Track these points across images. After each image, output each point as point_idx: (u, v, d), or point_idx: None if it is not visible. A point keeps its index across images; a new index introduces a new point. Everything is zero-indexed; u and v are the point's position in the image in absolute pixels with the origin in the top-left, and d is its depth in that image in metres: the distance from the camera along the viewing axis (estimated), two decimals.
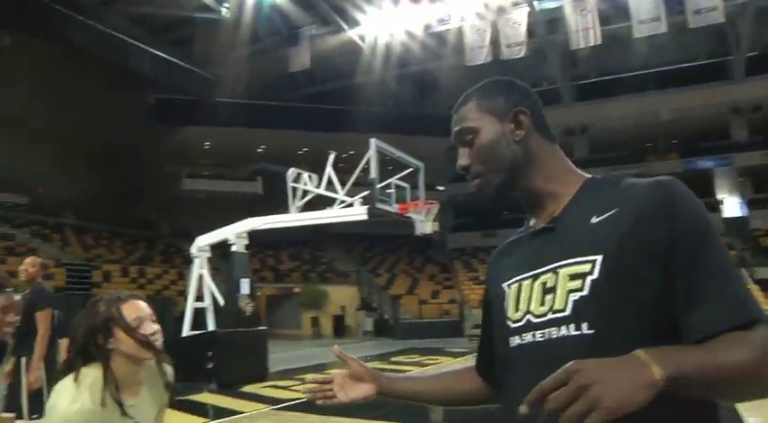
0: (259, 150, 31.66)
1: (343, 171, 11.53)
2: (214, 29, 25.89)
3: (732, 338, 0.94)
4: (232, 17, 24.99)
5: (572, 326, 1.06)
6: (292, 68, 26.16)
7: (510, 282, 1.22)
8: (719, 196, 29.73)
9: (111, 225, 30.75)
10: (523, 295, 1.17)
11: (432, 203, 11.29)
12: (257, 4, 24.00)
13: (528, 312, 1.14)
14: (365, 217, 10.28)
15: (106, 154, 30.68)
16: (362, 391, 1.44)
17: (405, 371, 13.43)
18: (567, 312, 1.07)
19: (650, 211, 1.06)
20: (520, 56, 24.22)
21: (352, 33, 25.42)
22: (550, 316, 1.10)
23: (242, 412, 8.43)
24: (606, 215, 1.10)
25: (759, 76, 26.16)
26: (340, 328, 26.49)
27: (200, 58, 27.77)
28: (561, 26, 24.19)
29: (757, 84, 26.27)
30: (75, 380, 1.78)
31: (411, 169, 11.58)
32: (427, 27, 25.25)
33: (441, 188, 31.89)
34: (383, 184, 10.60)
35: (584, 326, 1.05)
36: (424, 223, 10.86)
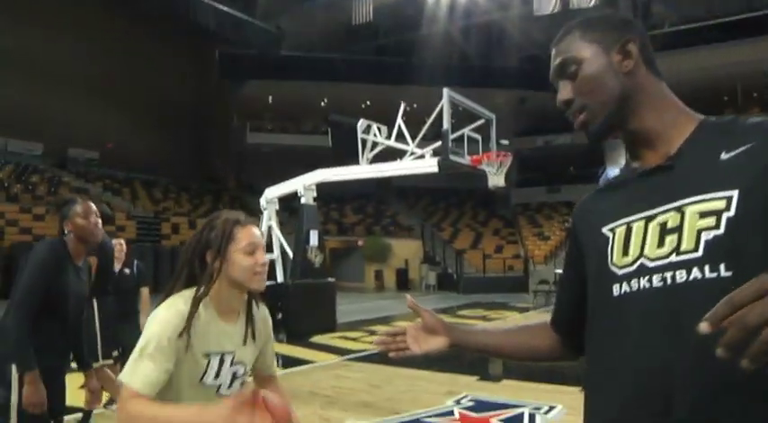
0: (322, 104, 31.65)
1: (408, 124, 11.33)
2: None
3: None
4: None
5: (706, 267, 0.96)
6: (356, 21, 25.87)
7: (614, 225, 1.11)
8: None
9: (178, 178, 31.41)
10: (635, 238, 1.06)
11: (506, 155, 11.00)
12: None
13: (642, 256, 1.04)
14: (436, 169, 10.11)
15: (173, 109, 31.28)
16: (436, 343, 1.38)
17: (470, 324, 13.40)
18: (699, 253, 0.97)
19: None
20: (590, 5, 23.32)
21: None
22: (675, 258, 0.99)
23: (313, 362, 8.53)
24: (739, 150, 1.00)
25: None
26: (403, 282, 26.61)
27: (264, 11, 27.74)
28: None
29: None
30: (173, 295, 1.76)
31: (481, 121, 11.27)
32: None
33: (505, 142, 31.23)
34: (454, 135, 10.36)
35: (722, 267, 0.95)
36: (498, 176, 10.60)
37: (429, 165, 10.21)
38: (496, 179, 10.49)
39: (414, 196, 32.59)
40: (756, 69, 26.20)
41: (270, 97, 31.78)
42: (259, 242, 1.82)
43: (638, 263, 1.04)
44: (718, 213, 0.96)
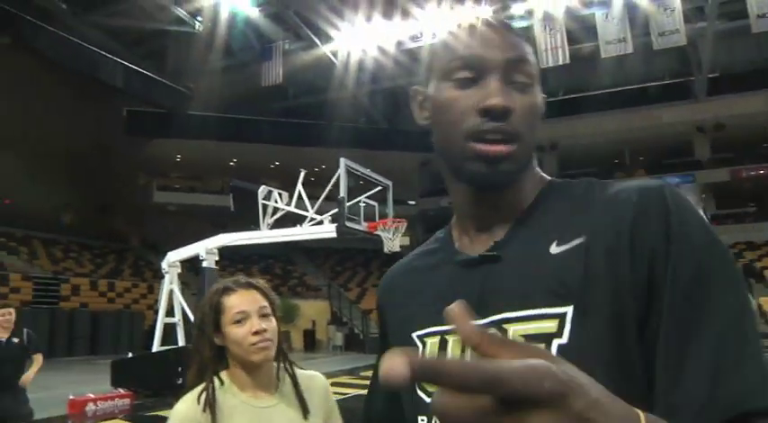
0: (231, 164, 31.75)
1: (314, 185, 11.76)
2: (187, 42, 26.06)
3: None
4: (205, 31, 25.16)
5: None
6: (265, 83, 26.35)
7: (425, 332, 0.88)
8: None
9: (80, 237, 30.48)
10: (451, 356, 0.83)
11: (400, 221, 11.50)
12: (231, 19, 24.18)
13: None
14: (334, 235, 10.49)
15: (77, 165, 30.53)
16: None
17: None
18: None
19: (630, 241, 0.73)
20: None
21: (324, 49, 25.72)
22: None
23: None
24: (571, 245, 0.78)
25: (720, 96, 27.04)
26: (311, 343, 26.54)
27: (173, 71, 27.86)
28: (530, 45, 24.64)
29: (718, 103, 27.12)
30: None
31: (379, 188, 11.81)
32: (399, 44, 25.62)
33: (411, 203, 32.22)
34: (353, 201, 10.82)
35: None
36: (393, 241, 11.07)
37: (327, 230, 10.59)
38: (392, 244, 10.93)
39: (322, 256, 32.83)
40: (646, 135, 28.37)
41: (178, 156, 31.63)
42: (252, 309, 1.62)
43: None
44: (547, 339, 0.74)
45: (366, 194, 11.35)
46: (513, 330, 0.77)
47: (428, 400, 0.83)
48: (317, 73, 27.62)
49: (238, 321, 1.59)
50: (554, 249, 0.79)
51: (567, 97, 30.37)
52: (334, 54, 25.94)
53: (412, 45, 25.77)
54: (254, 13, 24.42)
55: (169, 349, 11.90)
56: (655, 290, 0.70)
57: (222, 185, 31.27)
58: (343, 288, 29.94)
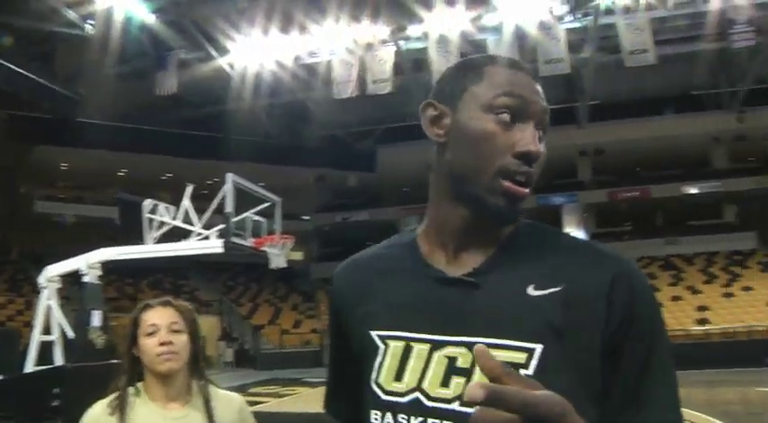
0: (121, 174, 30.70)
1: (207, 198, 11.64)
2: (78, 46, 25.04)
3: None
4: (98, 35, 24.26)
5: None
6: (160, 92, 25.73)
7: (389, 335, 0.94)
8: (567, 229, 32.12)
9: None
10: (414, 363, 0.91)
11: (287, 238, 11.59)
12: (125, 23, 23.41)
13: (418, 389, 0.89)
14: (221, 250, 10.45)
15: None
16: None
17: (264, 402, 13.56)
18: None
19: (603, 301, 0.86)
20: (385, 92, 25.27)
21: (221, 61, 25.41)
22: (458, 407, 0.85)
23: None
24: (549, 291, 0.88)
25: (601, 123, 28.84)
26: None
27: (63, 75, 26.71)
28: (426, 66, 25.40)
29: (599, 129, 28.90)
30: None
31: (268, 203, 11.85)
32: (297, 58, 25.70)
33: (306, 218, 32.24)
34: (239, 217, 10.81)
35: None
36: (279, 257, 11.14)
37: (214, 246, 10.54)
38: (279, 260, 11.01)
39: (214, 270, 32.18)
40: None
41: (64, 164, 30.27)
42: (162, 323, 1.78)
43: (413, 396, 0.89)
44: (515, 367, 0.79)
45: (253, 210, 11.38)
46: None
47: (383, 396, 0.92)
48: (214, 85, 27.21)
49: (150, 334, 1.76)
50: (532, 291, 0.88)
51: None
52: (231, 66, 25.66)
53: (309, 60, 25.91)
54: (150, 19, 23.78)
55: (44, 369, 11.41)
56: (618, 355, 0.86)
57: (113, 196, 30.17)
58: (235, 303, 29.50)
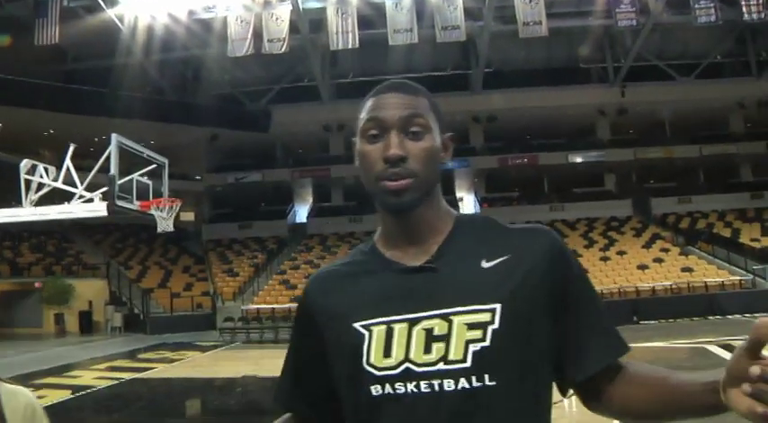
0: None
1: (95, 157, 11.06)
2: None
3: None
4: None
5: (473, 378, 1.01)
6: (39, 41, 24.05)
7: (370, 322, 1.09)
8: (458, 194, 33.27)
9: None
10: (398, 340, 1.06)
11: (174, 201, 11.22)
12: None
13: (407, 360, 1.05)
14: (104, 214, 10.06)
15: None
16: None
17: (152, 368, 13.30)
18: (468, 364, 1.02)
19: (544, 261, 1.09)
20: (281, 52, 24.84)
21: (110, 12, 23.97)
22: (443, 366, 1.02)
23: None
24: (499, 260, 1.09)
25: (494, 90, 29.61)
26: (87, 325, 24.99)
27: None
28: (324, 26, 25.10)
29: (492, 97, 29.64)
30: None
31: (154, 165, 11.40)
32: (192, 13, 24.72)
33: (198, 178, 31.45)
34: (127, 178, 10.38)
35: (487, 378, 1.01)
36: (166, 221, 10.81)
37: (97, 209, 10.12)
38: (166, 224, 10.72)
39: (101, 232, 30.84)
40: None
41: None
42: None
43: (404, 366, 1.04)
44: (484, 326, 1.02)
45: (140, 172, 10.94)
46: (458, 320, 1.04)
47: (377, 373, 1.05)
48: (101, 37, 25.70)
49: None
50: (485, 264, 1.09)
51: (356, 80, 31.32)
52: (120, 18, 24.31)
53: (204, 16, 25.00)
54: None
55: None
56: (565, 299, 1.10)
57: None
58: (124, 266, 28.48)
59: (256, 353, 15.93)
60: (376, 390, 1.06)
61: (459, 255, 1.11)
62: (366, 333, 1.08)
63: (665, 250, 25.99)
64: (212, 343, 18.48)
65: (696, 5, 24.58)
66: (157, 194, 11.41)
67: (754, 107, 31.07)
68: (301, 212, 33.87)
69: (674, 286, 22.32)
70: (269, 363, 13.76)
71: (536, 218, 29.68)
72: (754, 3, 24.57)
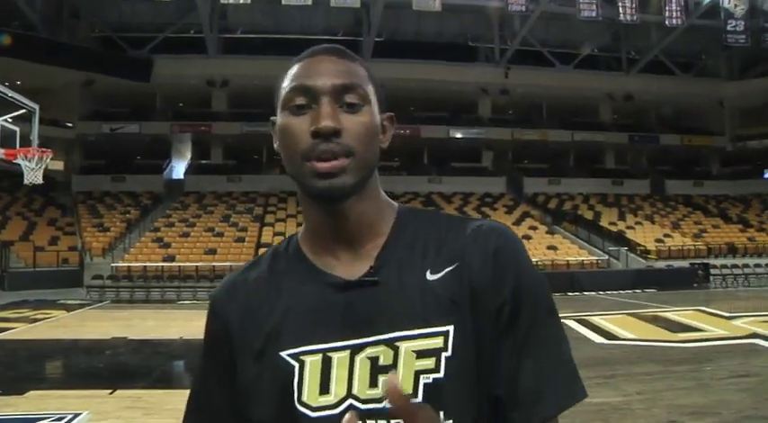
0: None
1: None
2: None
3: None
4: None
5: None
6: None
7: (301, 351, 0.90)
8: None
9: None
10: (338, 372, 0.89)
11: (45, 151, 10.40)
12: None
13: (350, 396, 0.88)
14: None
15: None
16: None
17: (11, 328, 12.51)
18: (419, 399, 0.86)
19: (492, 270, 0.91)
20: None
21: None
22: (387, 404, 0.82)
23: None
24: (445, 271, 0.91)
25: (383, 59, 29.71)
26: None
27: None
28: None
29: (381, 66, 29.63)
30: None
31: (22, 111, 10.53)
32: None
33: (70, 125, 29.57)
34: None
35: (442, 415, 0.85)
36: (35, 172, 10.06)
37: None
38: (34, 176, 10.02)
39: None
40: None
41: None
42: None
43: (347, 404, 0.88)
44: (436, 353, 0.87)
45: (6, 117, 10.10)
46: (406, 347, 0.87)
47: (312, 414, 0.87)
48: None
49: None
50: (430, 276, 0.90)
51: (244, 36, 30.50)
52: None
53: None
54: None
55: None
56: (508, 314, 0.90)
57: None
58: None
59: (126, 313, 15.41)
60: None
61: (401, 263, 0.92)
62: (296, 364, 0.89)
63: (534, 228, 27.33)
64: (79, 301, 17.63)
65: (581, 0, 25.98)
66: (25, 142, 10.57)
67: (621, 100, 33.35)
68: (179, 168, 32.74)
69: (539, 262, 23.65)
70: (140, 324, 13.43)
71: (414, 189, 30.54)
72: (629, 5, 26.48)
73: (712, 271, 22.53)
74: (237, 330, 0.95)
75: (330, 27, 30.34)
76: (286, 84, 0.94)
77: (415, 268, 0.92)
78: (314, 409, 0.87)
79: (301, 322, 0.91)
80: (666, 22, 27.84)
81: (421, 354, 0.86)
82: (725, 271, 22.54)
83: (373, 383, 0.87)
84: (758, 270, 22.86)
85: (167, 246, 22.56)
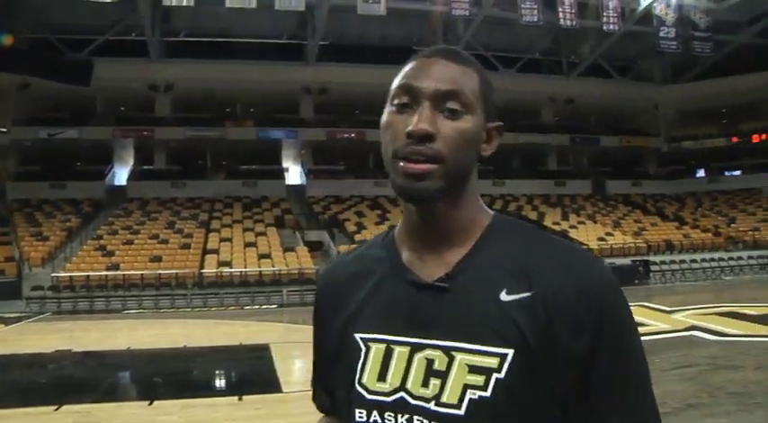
0: None
1: None
2: None
3: None
4: None
5: None
6: None
7: (370, 337, 0.97)
8: (285, 164, 33.41)
9: None
10: (396, 365, 0.94)
11: None
12: None
13: (403, 389, 0.92)
14: None
15: None
16: None
17: None
18: (461, 412, 0.88)
19: (574, 310, 0.89)
20: (108, 0, 23.32)
21: None
22: (433, 407, 0.90)
23: None
24: (521, 296, 0.91)
25: (327, 63, 29.96)
26: None
27: None
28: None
29: (325, 69, 29.94)
30: None
31: None
32: None
33: (4, 130, 28.51)
34: None
35: None
36: None
37: None
38: None
39: None
40: (258, 88, 29.60)
41: None
42: None
43: (399, 395, 0.92)
44: (488, 372, 0.88)
45: None
46: (460, 358, 0.89)
47: (368, 396, 0.94)
48: None
49: None
50: (504, 297, 0.91)
51: (188, 40, 30.06)
52: None
53: None
54: None
55: None
56: (585, 363, 0.88)
57: None
58: None
59: (69, 325, 15.02)
60: (360, 415, 0.95)
61: (479, 276, 0.94)
62: (364, 349, 0.97)
63: None
64: (17, 314, 17.09)
65: (522, 5, 26.64)
66: None
67: (562, 103, 34.15)
68: (121, 174, 31.83)
69: None
70: (84, 335, 13.07)
71: (361, 192, 30.57)
72: (569, 11, 27.21)
73: (652, 267, 23.44)
74: (329, 308, 1.07)
75: (275, 30, 30.19)
76: (397, 80, 0.99)
77: (489, 284, 0.93)
78: (370, 392, 0.94)
79: (376, 310, 0.98)
80: (604, 28, 28.60)
81: (473, 369, 0.89)
82: (664, 267, 23.51)
83: (425, 383, 0.91)
84: (693, 265, 23.95)
85: (111, 254, 22.00)
